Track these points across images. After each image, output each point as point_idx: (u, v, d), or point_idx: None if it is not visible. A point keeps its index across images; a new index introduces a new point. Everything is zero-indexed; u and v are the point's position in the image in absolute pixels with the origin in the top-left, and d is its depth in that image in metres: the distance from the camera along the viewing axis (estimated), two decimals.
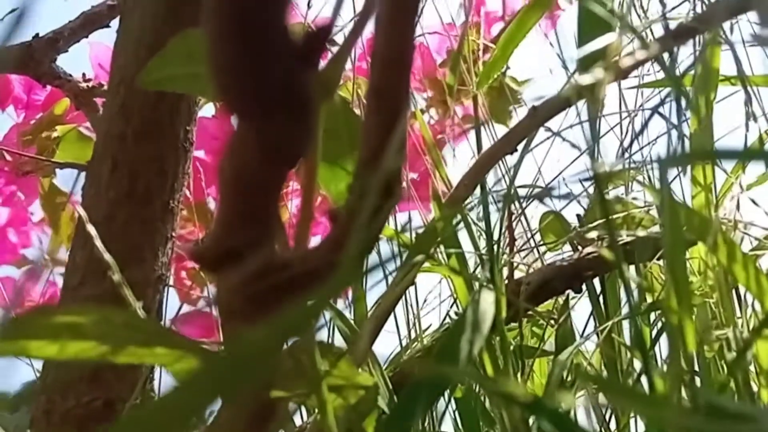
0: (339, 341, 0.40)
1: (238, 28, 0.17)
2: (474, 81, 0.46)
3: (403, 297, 0.50)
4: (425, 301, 0.56)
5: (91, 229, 0.31)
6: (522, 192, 0.48)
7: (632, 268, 0.43)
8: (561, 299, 0.46)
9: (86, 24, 0.68)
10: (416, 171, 0.99)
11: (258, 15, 0.17)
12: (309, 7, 0.57)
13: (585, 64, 0.28)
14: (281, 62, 0.18)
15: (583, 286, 0.46)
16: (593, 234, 0.41)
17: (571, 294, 0.46)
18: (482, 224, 0.38)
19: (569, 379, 0.41)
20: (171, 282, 0.50)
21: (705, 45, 0.36)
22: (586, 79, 0.25)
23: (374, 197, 0.21)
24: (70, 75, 0.68)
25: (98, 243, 0.28)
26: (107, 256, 0.29)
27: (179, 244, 0.87)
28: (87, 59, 0.82)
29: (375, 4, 0.25)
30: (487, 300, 0.33)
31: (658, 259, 0.43)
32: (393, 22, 0.23)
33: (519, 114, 1.03)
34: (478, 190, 0.40)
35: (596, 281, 0.46)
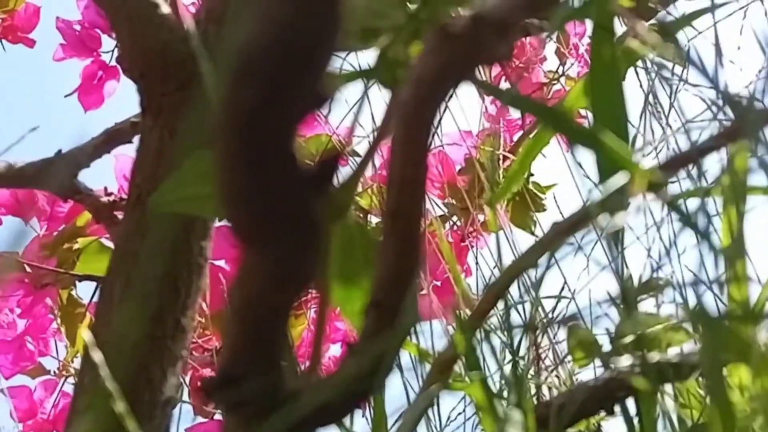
0: None
1: (247, 153, 0.16)
2: (494, 188, 0.46)
3: (425, 416, 0.47)
4: (449, 419, 0.53)
5: (97, 355, 0.30)
6: (548, 303, 0.46)
7: (669, 386, 0.40)
8: (593, 421, 0.44)
9: (109, 140, 0.69)
10: (438, 278, 0.98)
11: (267, 141, 0.16)
12: (326, 121, 0.58)
13: (606, 174, 0.27)
14: (291, 189, 0.17)
15: (617, 407, 0.43)
16: (625, 354, 0.39)
17: (604, 416, 0.43)
18: (506, 340, 0.36)
19: None
20: (185, 397, 0.48)
21: (733, 154, 0.36)
22: (608, 195, 0.24)
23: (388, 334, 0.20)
24: (91, 189, 0.69)
25: (103, 371, 0.27)
26: (112, 385, 0.27)
27: (196, 355, 0.85)
28: (111, 170, 0.83)
29: (389, 127, 0.25)
30: (515, 423, 0.31)
31: (695, 377, 0.41)
32: (407, 145, 0.22)
33: (541, 221, 1.03)
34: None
35: (631, 402, 0.43)
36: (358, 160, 0.35)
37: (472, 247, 1.05)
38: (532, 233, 1.03)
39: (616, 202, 0.24)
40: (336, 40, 0.15)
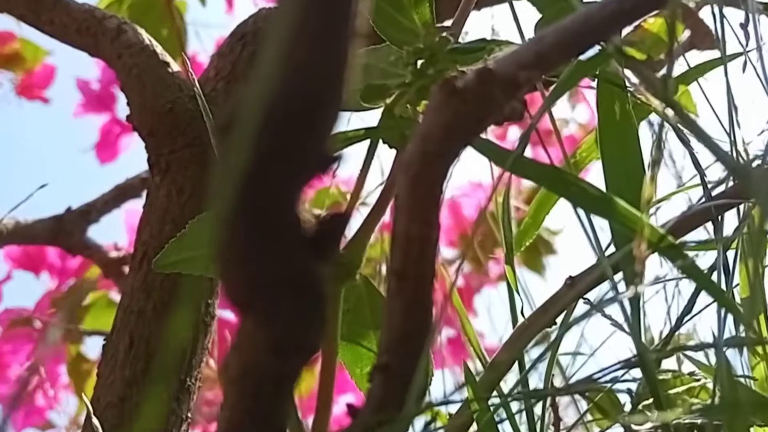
0: None
1: (245, 217, 0.16)
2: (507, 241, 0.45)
3: None
4: None
5: (96, 421, 0.29)
6: (564, 361, 0.44)
7: None
8: None
9: (119, 196, 0.70)
10: (454, 328, 0.96)
11: (267, 204, 0.16)
12: (334, 176, 0.57)
13: (619, 236, 0.26)
14: (292, 254, 0.17)
15: None
16: (646, 414, 0.38)
17: None
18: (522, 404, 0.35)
19: None
20: None
21: (750, 208, 0.35)
22: (623, 254, 0.23)
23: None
24: (101, 245, 0.69)
25: None
26: None
27: (205, 410, 0.83)
28: (121, 224, 0.84)
29: (396, 184, 0.24)
30: None
31: None
32: (413, 203, 0.22)
33: (551, 264, 1.01)
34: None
35: None
36: (367, 216, 0.34)
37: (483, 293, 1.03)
38: (543, 276, 1.02)
39: (631, 262, 0.23)
40: (341, 101, 0.15)
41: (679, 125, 0.29)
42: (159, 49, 0.45)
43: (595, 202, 0.21)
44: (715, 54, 0.45)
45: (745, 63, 0.35)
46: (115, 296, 0.80)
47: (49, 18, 0.45)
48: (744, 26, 0.36)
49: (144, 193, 0.71)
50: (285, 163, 0.14)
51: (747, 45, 0.35)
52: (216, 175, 0.14)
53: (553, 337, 0.36)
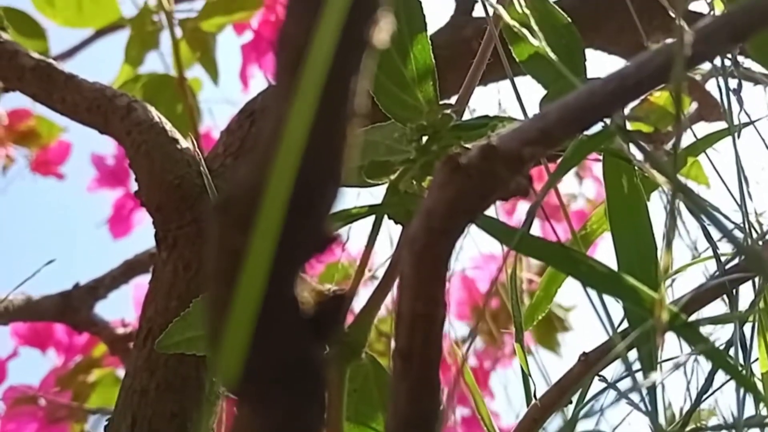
0: None
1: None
2: (518, 314, 0.44)
3: None
4: None
5: None
6: None
7: None
8: None
9: (127, 271, 0.69)
10: (468, 406, 0.94)
11: (261, 287, 0.15)
12: (344, 249, 0.57)
13: (632, 316, 0.25)
14: (289, 338, 0.16)
15: None
16: None
17: None
18: None
19: None
20: None
21: (765, 281, 0.34)
22: (636, 336, 0.22)
23: None
24: (107, 321, 0.68)
25: None
26: None
27: None
28: (130, 298, 0.83)
29: (401, 260, 0.24)
30: None
31: None
32: (417, 281, 0.21)
33: (566, 340, 0.99)
34: None
35: None
36: (374, 291, 0.34)
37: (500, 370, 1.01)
38: (558, 353, 1.00)
39: (645, 340, 0.22)
40: (339, 181, 0.14)
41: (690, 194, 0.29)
42: (168, 126, 0.46)
43: (606, 281, 0.20)
44: (722, 125, 0.45)
45: (739, 131, 0.35)
46: (122, 373, 0.79)
47: (60, 96, 0.46)
48: (737, 92, 0.36)
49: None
50: (281, 243, 0.13)
51: (740, 111, 0.35)
52: (209, 255, 0.14)
53: (569, 415, 0.34)
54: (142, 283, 0.79)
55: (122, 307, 0.81)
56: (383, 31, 0.13)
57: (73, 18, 0.81)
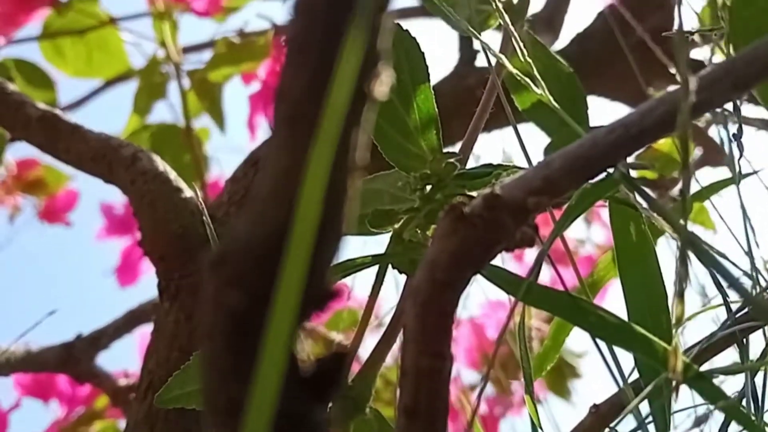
0: None
1: (234, 361, 0.15)
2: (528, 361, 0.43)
3: None
4: None
5: None
6: None
7: None
8: None
9: (131, 321, 0.69)
10: None
11: (257, 347, 0.15)
12: (349, 298, 0.56)
13: (644, 367, 0.24)
14: (286, 398, 0.16)
15: None
16: None
17: None
18: None
19: None
20: None
21: None
22: (649, 391, 0.22)
23: None
24: (109, 373, 0.67)
25: None
26: None
27: None
28: (134, 348, 0.82)
29: (405, 311, 0.23)
30: None
31: None
32: (422, 334, 0.21)
33: (578, 388, 0.97)
34: None
35: None
36: (377, 343, 0.33)
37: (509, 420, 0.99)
38: (569, 401, 0.98)
39: (657, 393, 0.21)
40: (339, 235, 0.14)
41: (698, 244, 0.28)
42: (173, 175, 0.46)
43: (616, 332, 0.20)
44: (727, 172, 0.45)
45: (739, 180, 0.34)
46: (124, 425, 0.78)
47: (65, 146, 0.47)
48: (738, 137, 0.36)
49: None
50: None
51: (740, 157, 0.35)
52: (203, 311, 0.13)
53: None
54: (146, 332, 0.79)
55: (126, 357, 0.81)
56: (384, 83, 0.12)
57: (82, 69, 0.83)
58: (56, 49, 0.81)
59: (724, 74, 0.18)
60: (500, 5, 0.39)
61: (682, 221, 0.21)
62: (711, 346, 0.27)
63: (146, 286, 1.01)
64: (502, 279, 0.22)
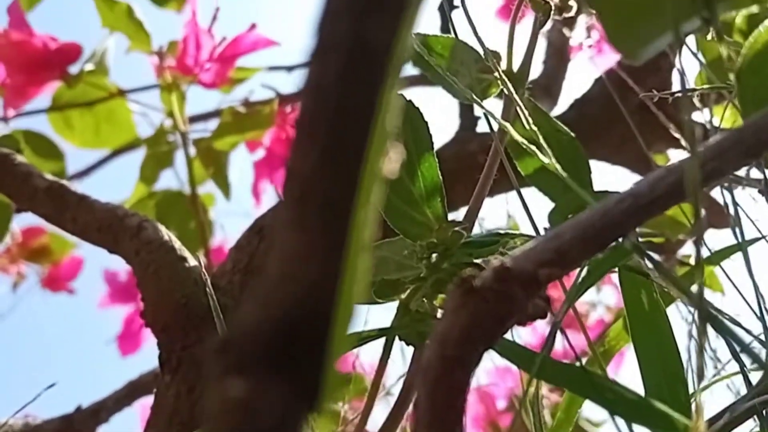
0: None
1: None
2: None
3: None
4: None
5: None
6: None
7: None
8: None
9: (132, 393, 0.67)
10: None
11: (266, 429, 0.14)
12: (354, 368, 0.55)
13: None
14: None
15: None
16: None
17: None
18: None
19: None
20: None
21: None
22: None
23: None
24: None
25: None
26: None
27: None
28: (135, 420, 0.80)
29: (414, 386, 0.23)
30: None
31: None
32: (434, 411, 0.20)
33: None
34: None
35: None
36: (387, 418, 0.32)
37: None
38: None
39: None
40: (352, 317, 0.14)
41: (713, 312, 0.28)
42: (177, 244, 0.46)
43: (634, 409, 0.19)
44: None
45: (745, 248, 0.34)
46: None
47: (72, 216, 0.47)
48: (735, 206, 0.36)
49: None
50: (285, 385, 0.13)
51: (738, 220, 0.35)
52: (207, 399, 0.13)
53: None
54: (147, 404, 0.77)
55: (127, 429, 0.79)
56: (393, 161, 0.12)
57: (90, 140, 0.84)
58: (65, 120, 0.82)
59: (735, 142, 0.18)
60: (502, 74, 0.40)
61: (696, 288, 0.21)
62: (732, 420, 0.26)
63: (149, 355, 0.99)
64: (515, 354, 0.21)
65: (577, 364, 0.45)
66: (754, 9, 0.20)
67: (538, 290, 0.19)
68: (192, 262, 0.45)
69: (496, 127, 0.38)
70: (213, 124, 0.84)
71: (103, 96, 0.82)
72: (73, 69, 0.79)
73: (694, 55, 0.44)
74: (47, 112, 0.82)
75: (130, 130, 0.84)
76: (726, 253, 0.35)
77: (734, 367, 0.38)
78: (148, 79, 0.85)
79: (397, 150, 0.13)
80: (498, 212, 0.99)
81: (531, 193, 0.38)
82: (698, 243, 0.19)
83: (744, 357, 0.34)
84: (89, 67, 0.80)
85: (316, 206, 0.12)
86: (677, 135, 0.43)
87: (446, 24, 0.85)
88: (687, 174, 0.18)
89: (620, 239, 0.22)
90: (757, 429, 0.29)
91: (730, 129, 0.20)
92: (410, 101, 0.35)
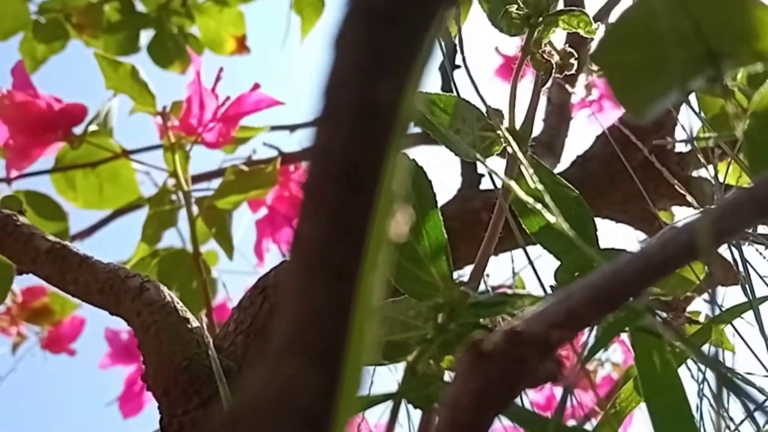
0: None
1: None
2: None
3: None
4: None
5: None
6: None
7: None
8: None
9: None
10: None
11: None
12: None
13: None
14: None
15: None
16: None
17: None
18: None
19: None
20: None
21: None
22: None
23: None
24: None
25: None
26: None
27: None
28: None
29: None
30: None
31: None
32: None
33: None
34: None
35: None
36: None
37: None
38: None
39: None
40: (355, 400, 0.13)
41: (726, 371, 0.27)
42: (179, 305, 0.45)
43: None
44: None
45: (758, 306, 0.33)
46: None
47: (73, 277, 0.46)
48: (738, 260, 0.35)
49: None
50: None
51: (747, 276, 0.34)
52: None
53: None
54: None
55: None
56: (401, 224, 0.12)
57: (93, 201, 0.84)
58: (68, 181, 0.82)
59: (746, 200, 0.18)
60: (505, 131, 0.40)
61: (710, 349, 0.20)
62: None
63: (151, 416, 0.97)
64: (527, 420, 0.20)
65: (588, 426, 0.44)
66: (759, 68, 0.20)
67: (549, 353, 0.19)
68: (194, 323, 0.45)
69: (500, 184, 0.38)
70: (216, 182, 0.85)
71: (106, 156, 0.82)
72: (77, 130, 0.80)
73: (696, 114, 0.44)
74: (50, 173, 0.82)
75: (134, 190, 0.85)
76: (737, 311, 0.34)
77: (748, 427, 0.37)
78: (151, 139, 0.85)
79: (405, 212, 0.12)
80: (502, 270, 0.98)
81: (535, 251, 0.38)
82: (712, 303, 0.19)
83: (758, 415, 0.33)
84: (93, 127, 0.80)
85: (324, 272, 0.11)
86: (683, 192, 0.43)
87: (447, 83, 0.87)
88: (699, 234, 0.17)
89: (631, 299, 0.22)
90: None
91: (741, 186, 0.20)
92: (413, 160, 0.35)
